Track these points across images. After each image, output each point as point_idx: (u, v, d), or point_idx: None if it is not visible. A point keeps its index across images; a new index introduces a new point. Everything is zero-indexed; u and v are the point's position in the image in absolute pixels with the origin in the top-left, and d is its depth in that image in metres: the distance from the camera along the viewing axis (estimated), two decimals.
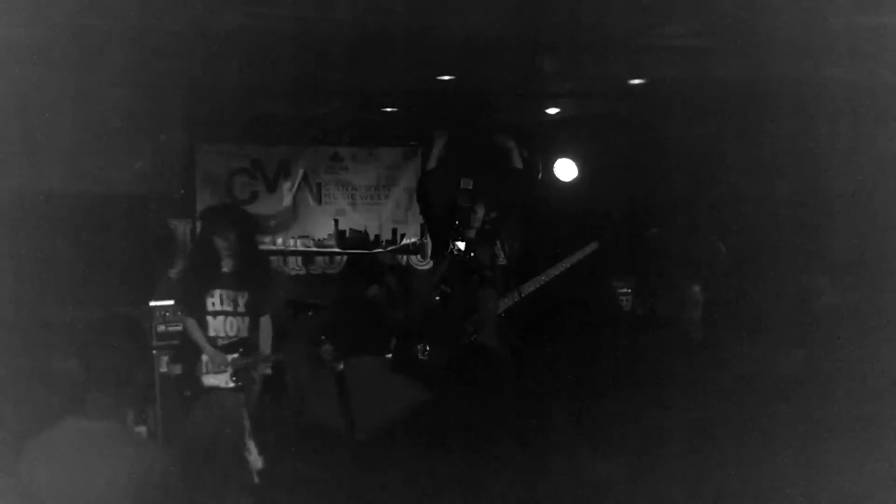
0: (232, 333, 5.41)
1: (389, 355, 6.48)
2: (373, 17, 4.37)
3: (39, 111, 5.79)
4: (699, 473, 2.45)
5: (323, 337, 5.39)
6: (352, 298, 6.93)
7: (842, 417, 2.58)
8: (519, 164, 6.63)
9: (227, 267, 5.44)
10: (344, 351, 3.81)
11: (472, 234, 6.46)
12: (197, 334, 5.36)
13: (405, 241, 8.40)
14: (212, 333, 5.38)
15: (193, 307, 5.40)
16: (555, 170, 7.77)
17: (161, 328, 6.60)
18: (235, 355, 5.32)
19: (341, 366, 4.50)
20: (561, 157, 7.75)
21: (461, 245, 6.36)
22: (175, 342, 6.52)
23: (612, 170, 7.50)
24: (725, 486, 2.45)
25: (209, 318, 5.39)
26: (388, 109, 7.18)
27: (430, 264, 7.47)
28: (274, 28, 4.47)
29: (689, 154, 6.48)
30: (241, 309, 5.42)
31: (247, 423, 5.03)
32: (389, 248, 8.30)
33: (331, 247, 8.20)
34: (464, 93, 6.31)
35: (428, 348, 6.15)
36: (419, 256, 8.37)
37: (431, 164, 6.48)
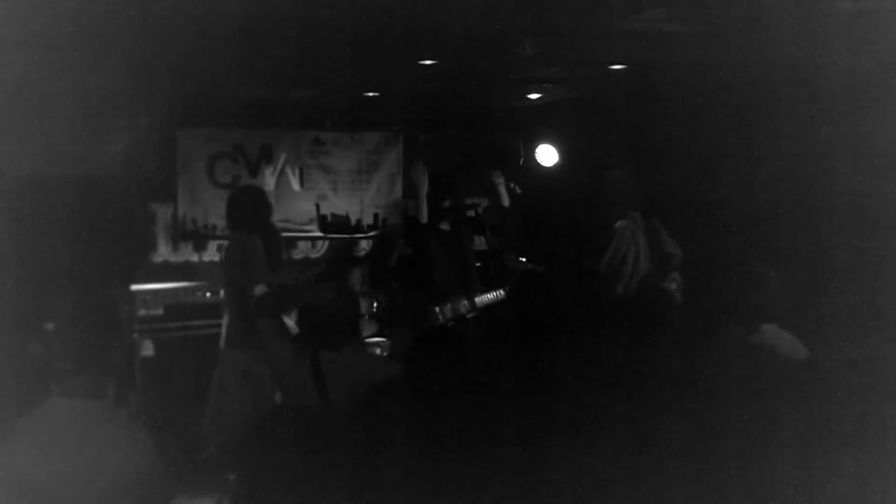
0: None
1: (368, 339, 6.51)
2: (357, 0, 4.35)
3: (21, 95, 5.73)
4: (698, 473, 2.46)
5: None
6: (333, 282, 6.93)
7: (842, 417, 2.59)
8: (506, 201, 6.56)
9: None
10: (321, 334, 3.80)
11: (445, 225, 6.48)
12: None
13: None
14: None
15: None
16: (537, 155, 7.79)
17: (142, 312, 6.59)
18: None
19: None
20: (543, 142, 7.77)
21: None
22: (156, 326, 6.53)
23: (595, 157, 7.50)
24: (725, 486, 2.46)
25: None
26: (370, 94, 7.16)
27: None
28: (257, 11, 4.44)
29: (677, 143, 6.47)
30: None
31: None
32: (371, 234, 8.30)
33: (313, 231, 8.20)
34: (446, 77, 6.29)
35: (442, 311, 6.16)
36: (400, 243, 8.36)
37: (423, 217, 6.40)
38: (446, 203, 6.46)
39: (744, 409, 2.67)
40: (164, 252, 7.75)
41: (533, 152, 7.80)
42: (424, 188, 6.41)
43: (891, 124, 4.85)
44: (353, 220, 8.31)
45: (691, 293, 5.88)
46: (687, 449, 2.53)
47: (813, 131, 5.32)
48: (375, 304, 6.77)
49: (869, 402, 2.64)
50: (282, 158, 8.03)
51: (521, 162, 7.75)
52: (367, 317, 6.76)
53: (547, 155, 7.76)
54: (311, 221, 8.18)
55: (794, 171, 5.59)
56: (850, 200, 5.13)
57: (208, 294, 6.83)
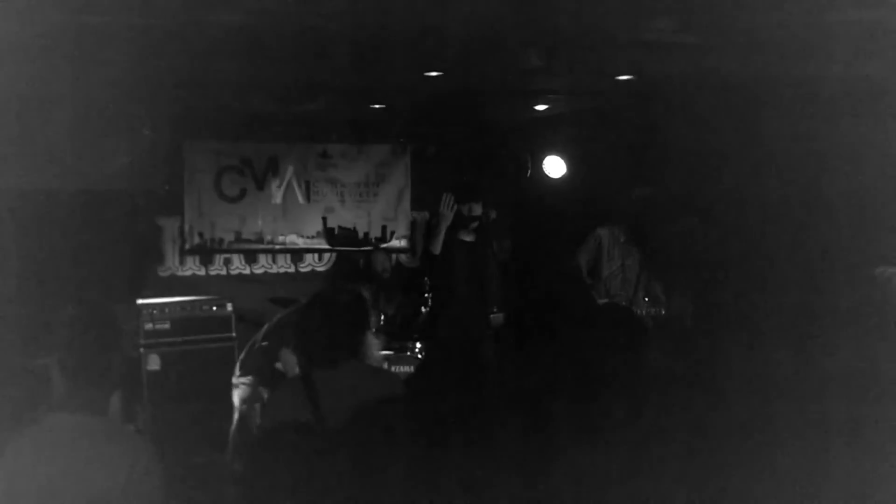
0: None
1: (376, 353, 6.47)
2: (363, 13, 4.35)
3: (27, 108, 5.75)
4: (698, 473, 2.43)
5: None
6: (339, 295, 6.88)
7: (842, 417, 2.57)
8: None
9: None
10: (322, 350, 3.71)
11: (469, 236, 6.43)
12: None
13: (395, 240, 8.39)
14: None
15: None
16: (544, 167, 7.77)
17: (148, 326, 6.57)
18: None
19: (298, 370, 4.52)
20: (551, 154, 7.75)
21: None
22: (163, 340, 6.51)
23: (603, 167, 7.49)
24: (725, 486, 2.43)
25: None
26: (377, 106, 7.16)
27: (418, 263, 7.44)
28: (264, 25, 4.44)
29: (681, 152, 6.45)
30: None
31: None
32: (382, 246, 8.27)
33: (320, 244, 8.18)
34: (453, 89, 6.28)
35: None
36: (408, 255, 8.35)
37: (436, 249, 6.38)
38: (474, 214, 6.40)
39: (744, 410, 2.65)
40: (170, 266, 7.74)
41: (540, 164, 7.78)
42: (447, 223, 6.37)
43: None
44: (361, 233, 8.29)
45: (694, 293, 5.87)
46: (687, 449, 2.51)
47: (815, 136, 5.32)
48: (383, 318, 6.74)
49: (868, 403, 2.62)
50: (289, 171, 8.02)
51: (529, 174, 7.72)
52: (374, 330, 6.72)
53: (554, 166, 7.74)
54: (318, 234, 8.16)
55: (793, 172, 5.58)
56: (849, 201, 5.13)
57: (215, 308, 6.81)
